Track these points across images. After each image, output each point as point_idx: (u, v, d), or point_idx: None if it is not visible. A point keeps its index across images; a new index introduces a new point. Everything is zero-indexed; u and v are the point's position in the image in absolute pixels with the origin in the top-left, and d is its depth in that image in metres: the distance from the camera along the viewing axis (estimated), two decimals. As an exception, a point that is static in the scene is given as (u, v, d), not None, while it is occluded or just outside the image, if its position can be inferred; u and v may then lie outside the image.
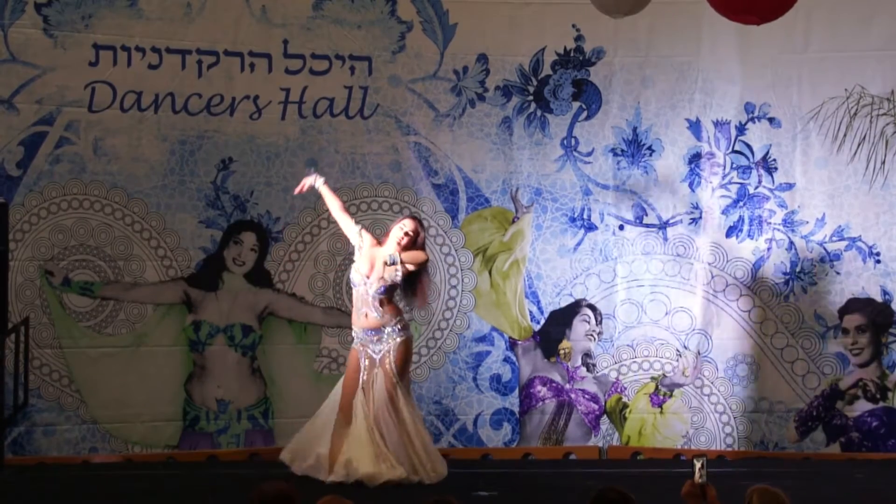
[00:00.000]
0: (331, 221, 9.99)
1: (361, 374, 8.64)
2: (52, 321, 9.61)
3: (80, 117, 9.63)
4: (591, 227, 10.22)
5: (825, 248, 10.16)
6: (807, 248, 10.16)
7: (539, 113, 10.19)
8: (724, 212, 10.19)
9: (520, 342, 10.20)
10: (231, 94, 9.90)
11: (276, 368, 10.01)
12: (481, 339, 10.19)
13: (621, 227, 10.23)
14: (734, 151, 10.18)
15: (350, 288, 8.96)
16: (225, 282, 9.94)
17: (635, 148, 10.21)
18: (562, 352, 10.21)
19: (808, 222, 10.16)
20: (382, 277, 8.64)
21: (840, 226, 10.14)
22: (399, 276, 8.64)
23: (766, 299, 10.17)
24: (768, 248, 10.19)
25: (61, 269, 9.64)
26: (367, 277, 8.67)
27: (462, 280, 10.17)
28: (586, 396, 10.20)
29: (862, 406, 10.10)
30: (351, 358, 8.76)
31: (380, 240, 8.85)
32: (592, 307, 10.23)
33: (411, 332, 8.83)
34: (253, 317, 9.98)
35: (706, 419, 10.16)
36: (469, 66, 10.14)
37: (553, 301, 10.21)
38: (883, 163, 10.06)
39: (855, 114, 10.04)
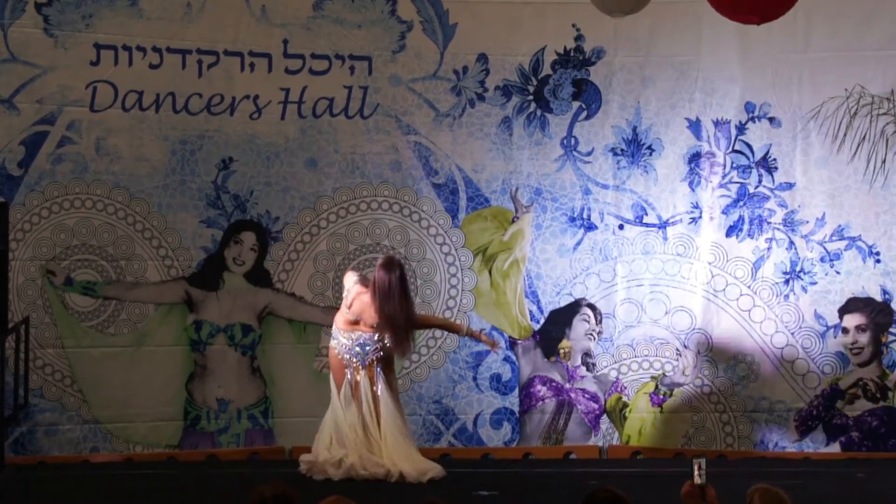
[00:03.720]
0: (330, 221, 10.02)
1: None
2: (54, 321, 9.61)
3: (81, 117, 9.64)
4: (590, 227, 10.23)
5: (825, 248, 10.16)
6: (807, 248, 10.17)
7: (539, 112, 10.19)
8: (724, 211, 10.19)
9: (520, 341, 10.20)
10: (231, 94, 9.91)
11: (276, 368, 10.02)
12: (481, 338, 10.19)
13: (621, 227, 10.23)
14: (734, 151, 10.19)
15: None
16: (225, 281, 9.95)
17: (635, 147, 10.21)
18: (562, 351, 10.21)
19: (808, 222, 10.17)
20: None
21: (840, 225, 10.15)
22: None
23: (766, 299, 10.18)
24: (768, 248, 10.19)
25: (63, 268, 9.65)
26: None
27: (462, 279, 10.18)
28: (586, 396, 10.21)
29: (862, 405, 10.11)
30: None
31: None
32: (592, 306, 10.24)
33: (331, 344, 8.96)
34: (253, 316, 9.98)
35: (706, 419, 10.17)
36: (469, 66, 10.14)
37: (553, 300, 10.22)
38: (883, 162, 10.07)
39: (855, 113, 10.05)
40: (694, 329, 10.19)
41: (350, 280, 9.01)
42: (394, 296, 8.72)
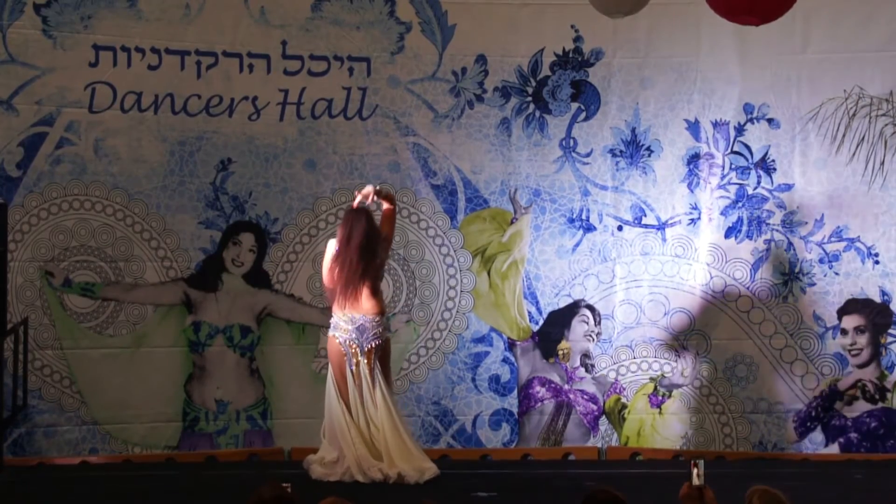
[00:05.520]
0: (329, 222, 10.02)
1: None
2: (52, 322, 9.61)
3: (80, 118, 9.64)
4: (589, 228, 10.23)
5: (824, 249, 10.16)
6: (805, 249, 10.17)
7: (538, 114, 10.20)
8: (723, 212, 10.19)
9: (518, 343, 10.20)
10: (230, 95, 9.91)
11: (275, 369, 10.01)
12: (480, 339, 10.19)
13: (620, 228, 10.23)
14: (733, 152, 10.19)
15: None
16: (224, 283, 9.95)
17: (634, 149, 10.22)
18: (560, 352, 10.21)
19: (806, 223, 10.17)
20: None
21: (839, 226, 10.15)
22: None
23: (764, 300, 10.18)
24: (767, 249, 10.19)
25: (62, 269, 9.65)
26: None
27: (461, 281, 10.18)
28: (585, 397, 10.21)
29: (861, 407, 10.10)
30: None
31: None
32: (591, 308, 10.24)
33: (331, 334, 8.88)
34: (251, 317, 9.98)
35: (705, 420, 10.17)
36: (468, 67, 10.14)
37: (552, 302, 10.22)
38: (882, 163, 10.07)
39: (854, 114, 10.05)
40: (693, 330, 10.19)
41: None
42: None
